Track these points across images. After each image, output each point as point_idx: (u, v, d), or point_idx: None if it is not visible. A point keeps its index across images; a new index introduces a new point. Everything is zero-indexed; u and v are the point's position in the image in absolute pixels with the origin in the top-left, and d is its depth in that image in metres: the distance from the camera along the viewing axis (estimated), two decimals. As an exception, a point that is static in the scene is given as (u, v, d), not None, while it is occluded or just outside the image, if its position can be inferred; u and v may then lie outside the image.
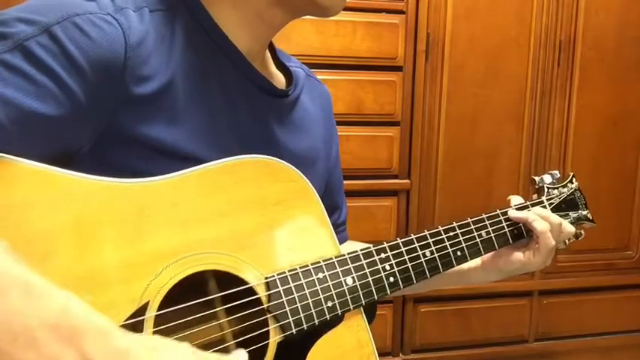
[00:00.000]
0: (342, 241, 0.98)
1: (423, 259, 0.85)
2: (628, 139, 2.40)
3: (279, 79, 0.87)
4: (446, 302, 2.33)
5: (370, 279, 0.80)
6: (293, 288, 0.73)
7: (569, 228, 0.99)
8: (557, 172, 1.07)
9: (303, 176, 0.77)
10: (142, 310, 0.62)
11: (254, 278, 0.70)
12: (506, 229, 0.95)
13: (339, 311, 0.76)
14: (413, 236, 0.86)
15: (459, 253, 0.89)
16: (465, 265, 0.93)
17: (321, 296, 0.75)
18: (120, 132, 0.66)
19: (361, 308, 0.80)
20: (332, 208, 0.96)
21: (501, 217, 0.95)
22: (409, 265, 0.84)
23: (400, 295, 2.27)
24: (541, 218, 0.94)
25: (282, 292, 0.72)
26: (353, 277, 0.78)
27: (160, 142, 0.68)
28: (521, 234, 0.96)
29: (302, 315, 0.73)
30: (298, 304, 0.73)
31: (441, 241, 0.88)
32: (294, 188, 0.76)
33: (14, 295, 0.47)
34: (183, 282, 0.65)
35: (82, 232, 0.60)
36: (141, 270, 0.63)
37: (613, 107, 2.36)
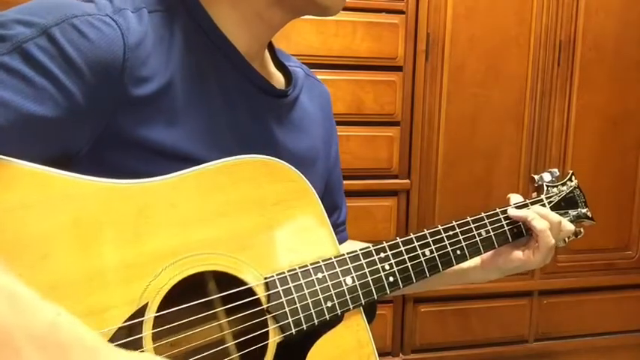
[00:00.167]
0: (341, 240, 0.98)
1: (422, 259, 0.85)
2: (628, 139, 2.40)
3: (278, 79, 0.87)
4: (446, 302, 2.33)
5: (369, 279, 0.80)
6: (292, 288, 0.73)
7: (568, 226, 0.99)
8: (556, 170, 1.07)
9: (302, 176, 0.77)
10: (141, 312, 0.62)
11: (253, 279, 0.70)
12: (506, 228, 0.95)
13: (339, 311, 0.76)
14: (412, 235, 0.86)
15: (458, 252, 0.89)
16: (464, 264, 0.93)
17: (321, 296, 0.75)
18: (119, 133, 0.66)
19: (361, 308, 0.79)
20: (332, 207, 0.96)
21: (501, 216, 0.95)
22: (409, 264, 0.84)
23: (400, 295, 2.27)
24: (540, 217, 0.94)
25: (281, 292, 0.72)
26: (352, 277, 0.78)
27: (159, 144, 0.68)
28: (521, 233, 0.96)
29: (301, 315, 0.72)
30: (298, 305, 0.73)
31: (441, 240, 0.88)
32: (294, 188, 0.76)
33: (1, 307, 0.46)
34: (182, 283, 0.65)
35: (80, 233, 0.60)
36: (140, 271, 0.63)
37: (613, 107, 2.36)
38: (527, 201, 1.00)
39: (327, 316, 0.75)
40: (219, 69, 0.76)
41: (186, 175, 0.68)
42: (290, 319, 0.72)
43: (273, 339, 0.71)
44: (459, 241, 0.90)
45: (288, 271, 0.73)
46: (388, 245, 0.83)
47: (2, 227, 0.56)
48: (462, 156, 2.25)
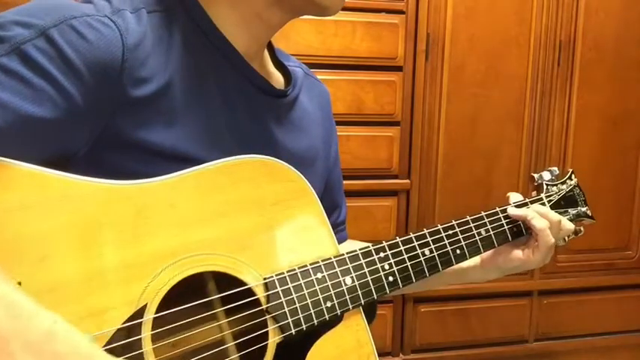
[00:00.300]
0: (341, 240, 0.98)
1: (422, 258, 0.85)
2: (628, 139, 2.40)
3: (277, 79, 0.87)
4: (446, 302, 2.33)
5: (369, 278, 0.80)
6: (292, 288, 0.72)
7: (568, 225, 0.99)
8: (556, 168, 1.07)
9: (302, 176, 0.77)
10: (140, 312, 0.62)
11: (252, 279, 0.70)
12: (506, 227, 0.95)
13: (338, 311, 0.76)
14: (412, 235, 0.86)
15: (458, 252, 0.89)
16: (464, 264, 0.93)
17: (320, 296, 0.75)
18: (117, 134, 0.66)
19: (360, 308, 0.79)
20: (331, 207, 0.96)
21: (500, 215, 0.95)
22: (408, 264, 0.84)
23: (400, 295, 2.27)
24: (540, 216, 0.94)
25: (280, 292, 0.72)
26: (352, 277, 0.78)
27: (158, 144, 0.68)
28: (521, 232, 0.96)
29: (301, 315, 0.72)
30: (297, 305, 0.72)
31: (440, 239, 0.88)
32: (293, 188, 0.76)
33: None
34: (181, 283, 0.65)
35: (79, 234, 0.60)
36: (139, 272, 0.63)
37: (613, 107, 2.36)
38: (527, 200, 1.00)
39: (327, 316, 0.75)
40: (219, 69, 0.76)
41: (186, 176, 0.68)
42: (289, 320, 0.72)
43: (273, 339, 0.71)
44: (459, 241, 0.90)
45: (288, 272, 0.73)
46: (388, 245, 0.83)
47: (1, 228, 0.56)
48: (462, 156, 2.25)
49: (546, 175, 1.06)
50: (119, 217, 0.62)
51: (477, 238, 0.92)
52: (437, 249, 0.87)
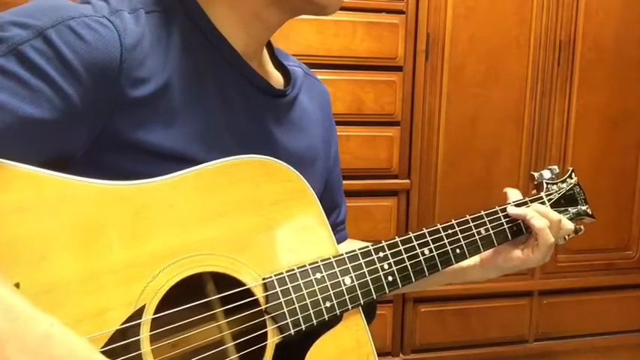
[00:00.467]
0: (341, 239, 0.98)
1: (421, 258, 0.85)
2: (628, 139, 2.40)
3: (277, 79, 0.87)
4: (446, 302, 2.33)
5: (368, 278, 0.80)
6: (291, 289, 0.72)
7: (568, 225, 0.99)
8: (555, 167, 1.07)
9: (301, 176, 0.77)
10: (138, 313, 0.62)
11: (251, 279, 0.70)
12: (505, 226, 0.95)
13: (338, 311, 0.76)
14: (411, 234, 0.86)
15: (457, 251, 0.89)
16: (463, 263, 0.93)
17: (319, 297, 0.74)
18: (116, 135, 0.66)
19: (359, 308, 0.79)
20: (331, 207, 0.96)
21: (500, 214, 0.95)
22: (408, 263, 0.84)
23: (400, 295, 2.27)
24: (540, 215, 0.94)
25: (279, 293, 0.71)
26: (351, 277, 0.78)
27: (156, 145, 0.68)
28: (520, 231, 0.96)
29: (300, 316, 0.72)
30: (296, 305, 0.72)
31: (440, 239, 0.88)
32: (292, 188, 0.76)
33: None
34: (180, 284, 0.65)
35: (77, 235, 0.60)
36: (137, 272, 0.63)
37: (613, 107, 2.36)
38: (527, 199, 1.00)
39: (326, 317, 0.75)
40: (217, 69, 0.75)
41: (185, 176, 0.68)
42: (289, 320, 0.72)
43: (272, 340, 0.71)
44: (459, 240, 0.90)
45: (287, 272, 0.73)
46: (387, 245, 0.83)
47: None
48: (462, 156, 2.25)
49: (546, 174, 1.05)
50: (118, 218, 0.62)
51: (477, 237, 0.92)
52: (436, 248, 0.87)
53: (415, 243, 0.85)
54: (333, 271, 0.77)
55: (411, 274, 0.84)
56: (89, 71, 0.62)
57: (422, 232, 0.87)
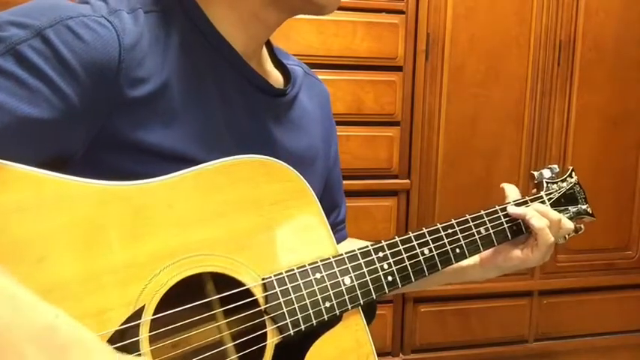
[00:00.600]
0: (341, 239, 0.98)
1: (421, 258, 0.85)
2: (628, 139, 2.40)
3: (276, 78, 0.87)
4: (446, 302, 2.33)
5: (368, 278, 0.80)
6: (290, 289, 0.72)
7: (568, 224, 0.98)
8: (556, 166, 1.07)
9: (300, 176, 0.77)
10: (138, 314, 0.62)
11: (251, 280, 0.70)
12: (505, 226, 0.95)
13: (337, 311, 0.76)
14: (411, 234, 0.85)
15: (457, 251, 0.89)
16: (463, 262, 0.92)
17: (319, 297, 0.74)
18: (115, 135, 0.66)
19: (359, 308, 0.79)
20: (331, 206, 0.96)
21: (500, 214, 0.95)
22: (407, 263, 0.83)
23: (400, 295, 2.27)
24: (540, 214, 0.94)
25: (279, 293, 0.71)
26: (351, 277, 0.78)
27: (156, 145, 0.67)
28: (520, 230, 0.96)
29: (300, 316, 0.72)
30: (296, 305, 0.72)
31: (440, 238, 0.88)
32: (291, 188, 0.76)
33: (2, 308, 0.47)
34: (180, 284, 0.65)
35: (76, 235, 0.60)
36: (137, 273, 0.62)
37: (613, 107, 2.36)
38: (527, 198, 1.00)
39: (326, 317, 0.75)
40: (217, 69, 0.75)
41: (184, 176, 0.67)
42: (288, 320, 0.71)
43: (272, 340, 0.71)
44: (458, 240, 0.89)
45: (286, 272, 0.73)
46: (387, 244, 0.83)
47: None
48: (462, 156, 2.25)
49: (546, 173, 1.05)
50: (117, 218, 0.62)
51: (477, 237, 0.91)
52: (436, 248, 0.87)
53: (415, 243, 0.85)
54: (333, 271, 0.77)
55: (411, 274, 0.84)
56: (87, 71, 0.62)
57: (422, 231, 0.87)
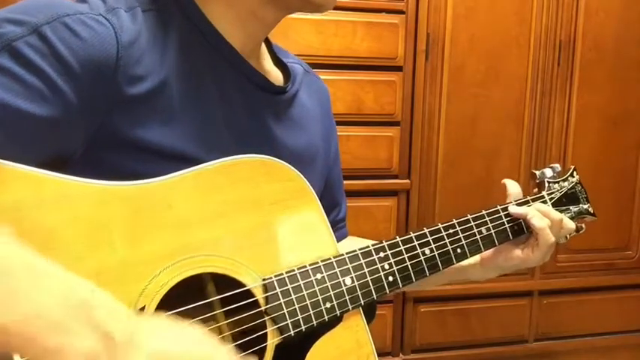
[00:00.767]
0: (341, 237, 0.98)
1: (422, 258, 0.85)
2: (628, 139, 2.40)
3: (276, 76, 0.87)
4: (446, 302, 2.33)
5: (369, 279, 0.79)
6: (291, 290, 0.72)
7: (569, 224, 0.98)
8: (557, 165, 1.06)
9: (301, 175, 0.77)
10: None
11: (251, 280, 0.70)
12: (507, 226, 0.94)
13: (338, 312, 0.76)
14: (412, 234, 0.85)
15: (458, 251, 0.89)
16: (464, 262, 0.93)
17: (320, 297, 0.74)
18: (114, 133, 0.66)
19: (360, 308, 0.79)
20: (332, 204, 0.95)
21: (501, 214, 0.95)
22: (408, 264, 0.83)
23: (400, 295, 2.27)
24: (541, 214, 0.93)
25: (279, 294, 0.71)
26: (351, 278, 0.78)
27: (155, 143, 0.67)
28: (522, 230, 0.95)
29: (300, 317, 0.72)
30: (296, 306, 0.72)
31: (441, 238, 0.87)
32: (292, 188, 0.76)
33: (20, 275, 0.48)
34: (180, 285, 0.65)
35: (76, 235, 0.59)
36: (137, 273, 0.62)
37: (613, 107, 2.36)
38: (529, 198, 1.00)
39: (326, 317, 0.74)
40: (216, 68, 0.75)
41: (184, 176, 0.67)
42: (289, 321, 0.71)
43: (272, 341, 0.71)
44: (459, 240, 0.89)
45: (287, 273, 0.73)
46: (388, 245, 0.82)
47: None
48: (462, 156, 2.25)
49: (548, 172, 1.05)
50: (117, 218, 0.62)
51: (478, 236, 0.91)
52: (437, 248, 0.86)
53: (416, 243, 0.85)
54: (334, 271, 0.77)
55: (412, 274, 0.83)
56: (84, 68, 0.62)
57: (423, 231, 0.86)
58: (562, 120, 2.32)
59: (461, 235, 0.89)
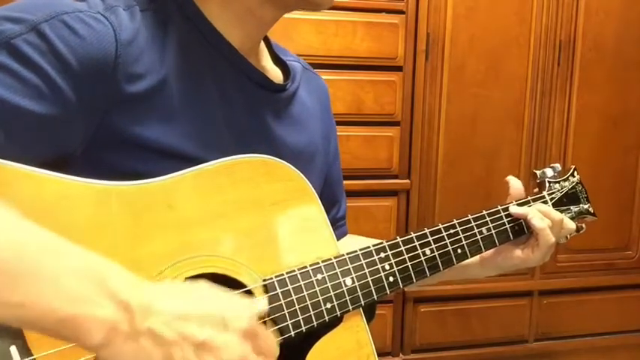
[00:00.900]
0: (341, 235, 0.98)
1: (422, 258, 0.85)
2: (628, 139, 2.40)
3: (275, 74, 0.87)
4: (446, 302, 2.33)
5: (369, 279, 0.79)
6: (291, 290, 0.72)
7: (570, 225, 0.98)
8: (558, 165, 1.06)
9: (301, 175, 0.77)
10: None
11: (252, 281, 0.70)
12: (507, 226, 0.94)
13: (338, 312, 0.76)
14: (413, 234, 0.85)
15: (459, 251, 0.89)
16: (464, 262, 0.92)
17: (320, 298, 0.74)
18: (114, 132, 0.66)
19: (360, 309, 0.79)
20: (331, 202, 0.95)
21: (502, 214, 0.94)
22: (409, 264, 0.83)
23: (400, 295, 2.27)
24: (542, 215, 0.93)
25: (280, 294, 0.71)
26: (352, 278, 0.78)
27: (154, 142, 0.67)
28: (522, 230, 0.95)
29: (300, 317, 0.72)
30: (297, 307, 0.72)
31: (441, 239, 0.87)
32: (292, 187, 0.76)
33: (33, 251, 0.49)
34: (180, 284, 0.65)
35: (76, 235, 0.59)
36: (137, 274, 0.62)
37: (613, 107, 2.36)
38: (530, 198, 0.99)
39: (327, 318, 0.74)
40: (215, 66, 0.75)
41: (184, 176, 0.67)
42: (289, 322, 0.71)
43: (272, 341, 0.70)
44: (460, 240, 0.89)
45: (287, 273, 0.72)
46: (388, 245, 0.82)
47: None
48: (462, 156, 2.25)
49: (549, 172, 1.05)
50: (117, 218, 0.62)
51: (479, 237, 0.91)
52: (438, 248, 0.86)
53: (417, 243, 0.85)
54: (334, 271, 0.76)
55: (412, 274, 0.83)
56: (83, 66, 0.62)
57: (423, 232, 0.86)
58: (562, 120, 2.32)
59: (461, 236, 0.89)
